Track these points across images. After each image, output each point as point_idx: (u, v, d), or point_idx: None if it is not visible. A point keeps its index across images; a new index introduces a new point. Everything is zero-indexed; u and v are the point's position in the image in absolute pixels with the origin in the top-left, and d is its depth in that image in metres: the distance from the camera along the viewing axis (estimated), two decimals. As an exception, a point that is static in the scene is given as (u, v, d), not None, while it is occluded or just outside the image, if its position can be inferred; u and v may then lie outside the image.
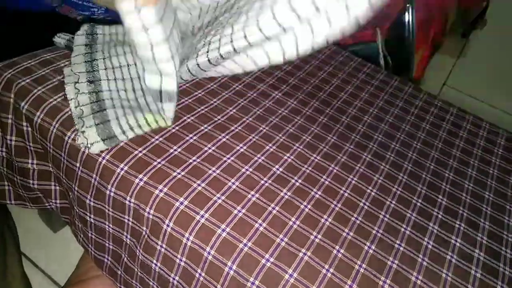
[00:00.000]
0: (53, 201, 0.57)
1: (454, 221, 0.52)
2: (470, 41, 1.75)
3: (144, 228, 0.45)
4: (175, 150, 0.50)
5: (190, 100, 0.57)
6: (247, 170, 0.50)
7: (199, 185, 0.46)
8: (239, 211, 0.45)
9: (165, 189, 0.45)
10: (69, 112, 0.50)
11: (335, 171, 0.54)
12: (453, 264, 0.47)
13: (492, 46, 1.77)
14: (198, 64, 0.53)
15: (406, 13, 1.04)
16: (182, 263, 0.44)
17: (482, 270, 0.47)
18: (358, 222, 0.48)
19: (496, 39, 1.80)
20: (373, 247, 0.46)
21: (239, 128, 0.55)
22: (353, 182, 0.53)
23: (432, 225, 0.50)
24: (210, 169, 0.49)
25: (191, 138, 0.52)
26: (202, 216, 0.44)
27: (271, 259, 0.42)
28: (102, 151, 0.47)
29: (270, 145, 0.54)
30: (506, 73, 1.60)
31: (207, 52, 0.52)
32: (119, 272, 0.52)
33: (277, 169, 0.51)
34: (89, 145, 0.46)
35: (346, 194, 0.51)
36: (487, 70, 1.61)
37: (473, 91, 1.46)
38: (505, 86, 1.53)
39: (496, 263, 0.48)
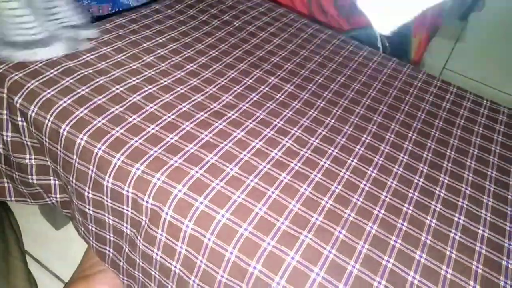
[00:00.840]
0: (53, 195, 0.56)
1: (457, 199, 0.51)
2: (468, 24, 1.72)
3: (144, 218, 0.45)
4: (172, 138, 0.49)
5: (185, 89, 0.57)
6: (245, 155, 0.49)
7: (197, 172, 0.46)
8: (239, 197, 0.45)
9: (163, 177, 0.45)
10: (63, 105, 0.49)
11: (334, 154, 0.53)
12: (457, 241, 0.46)
13: (491, 28, 1.75)
14: None
15: (403, -3, 1.02)
16: (183, 251, 0.43)
17: (487, 246, 0.46)
18: (359, 203, 0.48)
19: (495, 21, 1.77)
20: (375, 227, 0.45)
21: (236, 114, 0.55)
22: (353, 164, 0.52)
23: (435, 204, 0.50)
24: (207, 156, 0.48)
25: (187, 126, 0.51)
26: (201, 203, 0.43)
27: (272, 243, 0.42)
28: (97, 142, 0.46)
29: (267, 130, 0.54)
30: (506, 55, 1.58)
31: None
32: (121, 264, 0.51)
33: (276, 153, 0.51)
34: None
35: (346, 176, 0.50)
36: (486, 52, 1.59)
37: (473, 74, 1.44)
38: (505, 68, 1.51)
39: (500, 239, 0.48)
